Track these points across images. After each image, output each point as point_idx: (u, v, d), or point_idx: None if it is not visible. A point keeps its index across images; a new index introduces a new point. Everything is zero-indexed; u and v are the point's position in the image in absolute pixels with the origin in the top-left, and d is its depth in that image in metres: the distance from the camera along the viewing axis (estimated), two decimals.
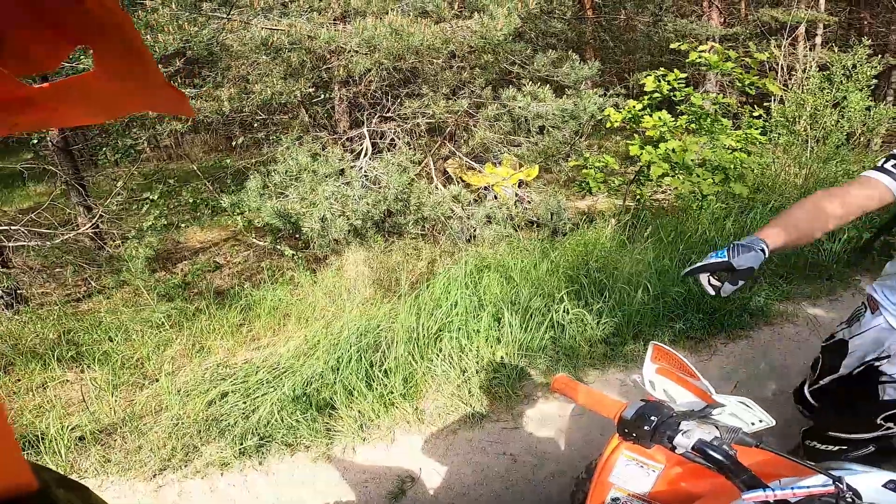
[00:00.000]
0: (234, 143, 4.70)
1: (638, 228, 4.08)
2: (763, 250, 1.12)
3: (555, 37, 7.01)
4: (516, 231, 4.49)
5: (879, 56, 6.02)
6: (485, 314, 3.15)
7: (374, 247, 4.19)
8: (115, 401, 2.41)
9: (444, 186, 4.81)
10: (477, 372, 2.82)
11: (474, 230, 4.50)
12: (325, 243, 4.03)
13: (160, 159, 6.09)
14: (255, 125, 4.59)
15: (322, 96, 4.58)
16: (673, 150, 3.93)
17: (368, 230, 4.28)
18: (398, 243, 4.39)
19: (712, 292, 1.13)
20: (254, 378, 2.51)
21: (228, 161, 4.58)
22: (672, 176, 3.99)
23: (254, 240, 4.31)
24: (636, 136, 4.30)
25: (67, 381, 2.58)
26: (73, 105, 0.31)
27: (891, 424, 1.44)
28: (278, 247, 4.02)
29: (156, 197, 3.84)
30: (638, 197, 4.39)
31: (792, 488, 0.75)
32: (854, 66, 5.67)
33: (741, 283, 1.10)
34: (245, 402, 2.37)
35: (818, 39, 10.75)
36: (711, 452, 0.81)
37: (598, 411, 0.98)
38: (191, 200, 4.04)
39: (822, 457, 1.57)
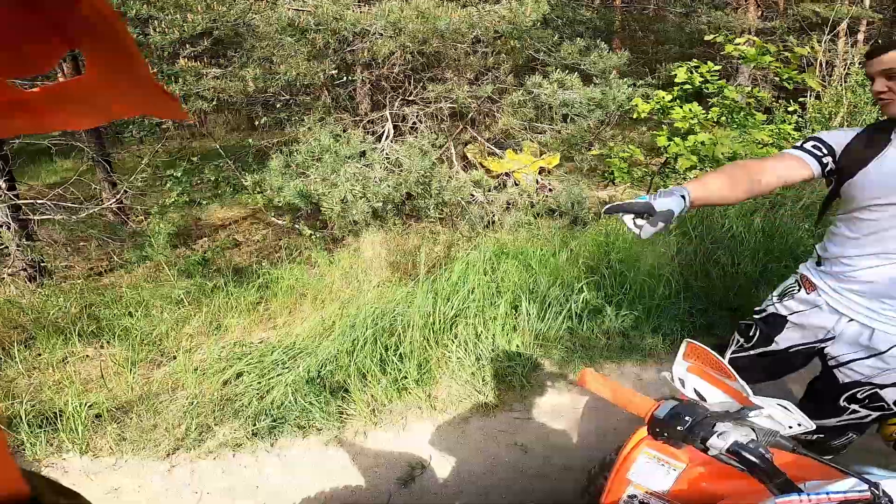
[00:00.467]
0: (256, 123, 4.68)
1: None
2: (684, 197, 1.18)
3: (583, 25, 6.84)
4: (536, 219, 4.40)
5: None
6: (502, 301, 3.10)
7: (392, 229, 4.15)
8: (133, 378, 2.41)
9: (465, 171, 4.73)
10: (491, 360, 2.77)
11: (494, 216, 4.43)
12: (344, 224, 4.00)
13: (184, 137, 6.11)
14: (278, 105, 4.57)
15: (345, 78, 4.52)
16: (702, 143, 3.77)
17: (388, 212, 4.24)
18: (416, 226, 4.34)
19: (636, 231, 1.16)
20: (269, 358, 2.49)
21: (251, 140, 4.55)
22: (700, 169, 3.84)
23: (273, 218, 4.30)
24: (663, 127, 4.14)
25: (87, 356, 2.60)
26: (66, 108, 0.31)
27: (855, 407, 1.45)
28: (297, 226, 4.00)
29: (179, 174, 3.84)
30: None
31: (827, 493, 0.73)
32: None
33: (661, 224, 1.12)
34: (259, 383, 2.36)
35: (860, 36, 10.29)
36: (747, 455, 0.79)
37: (627, 408, 0.96)
38: (213, 178, 4.04)
39: (803, 446, 1.57)
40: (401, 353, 2.69)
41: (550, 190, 4.85)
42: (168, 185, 3.77)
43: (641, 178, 4.51)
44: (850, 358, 1.42)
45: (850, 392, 1.44)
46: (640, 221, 1.15)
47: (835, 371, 1.46)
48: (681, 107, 3.92)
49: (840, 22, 9.14)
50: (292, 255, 3.72)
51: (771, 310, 1.61)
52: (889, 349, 1.35)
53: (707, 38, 4.36)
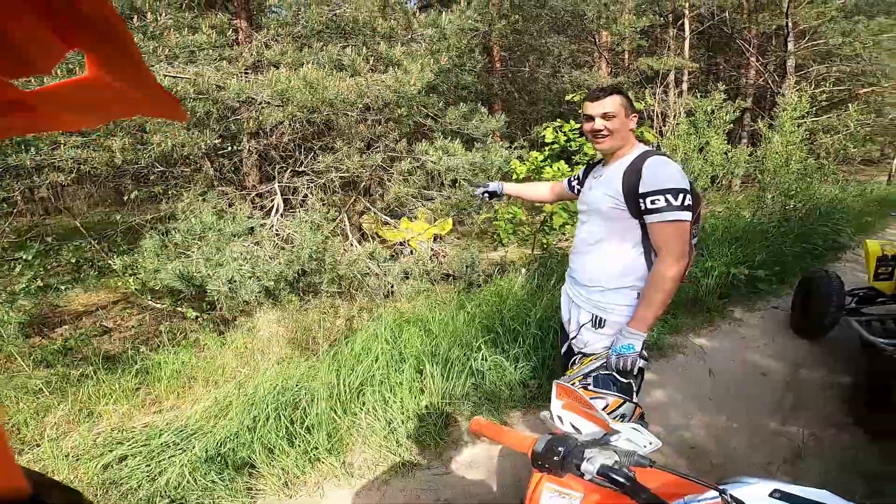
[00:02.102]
0: (125, 197, 4.43)
1: (546, 276, 4.48)
2: (501, 184, 2.42)
3: (465, 89, 7.56)
4: (433, 285, 4.68)
5: (733, 101, 6.96)
6: (406, 367, 3.26)
7: (287, 306, 4.14)
8: None
9: (360, 243, 4.92)
10: (403, 422, 2.89)
11: (391, 286, 4.62)
12: (234, 305, 3.89)
13: (35, 214, 5.56)
14: (152, 178, 4.41)
15: (230, 148, 4.51)
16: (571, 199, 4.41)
17: (281, 290, 4.22)
18: (314, 301, 4.39)
19: (485, 197, 2.41)
20: (157, 441, 2.38)
21: (119, 217, 4.32)
22: (571, 224, 4.45)
23: (150, 302, 4.07)
24: None
25: None
26: (66, 109, 0.32)
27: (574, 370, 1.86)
28: (179, 309, 3.84)
29: (30, 257, 3.56)
30: (544, 245, 4.81)
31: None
32: (712, 112, 6.56)
33: (494, 197, 2.42)
34: (149, 465, 2.23)
35: (685, 85, 12.35)
36: (613, 475, 0.93)
37: (514, 447, 1.08)
38: (73, 260, 3.77)
39: None
40: (308, 426, 2.72)
41: (444, 256, 5.23)
42: (17, 269, 3.47)
43: (526, 236, 5.08)
44: (574, 334, 1.88)
45: (572, 360, 1.87)
46: (484, 194, 2.39)
47: (570, 344, 1.92)
48: (550, 166, 4.57)
49: (668, 73, 11.08)
50: (176, 339, 3.56)
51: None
52: (584, 324, 1.82)
53: (567, 97, 5.10)
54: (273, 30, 4.28)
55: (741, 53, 13.47)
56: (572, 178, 2.24)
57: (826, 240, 6.00)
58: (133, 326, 3.99)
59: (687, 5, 10.93)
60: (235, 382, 2.99)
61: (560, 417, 1.13)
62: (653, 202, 1.61)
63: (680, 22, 12.03)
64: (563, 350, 2.07)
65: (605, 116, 1.74)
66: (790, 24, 11.22)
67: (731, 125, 6.84)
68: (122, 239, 4.16)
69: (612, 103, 1.73)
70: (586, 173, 2.06)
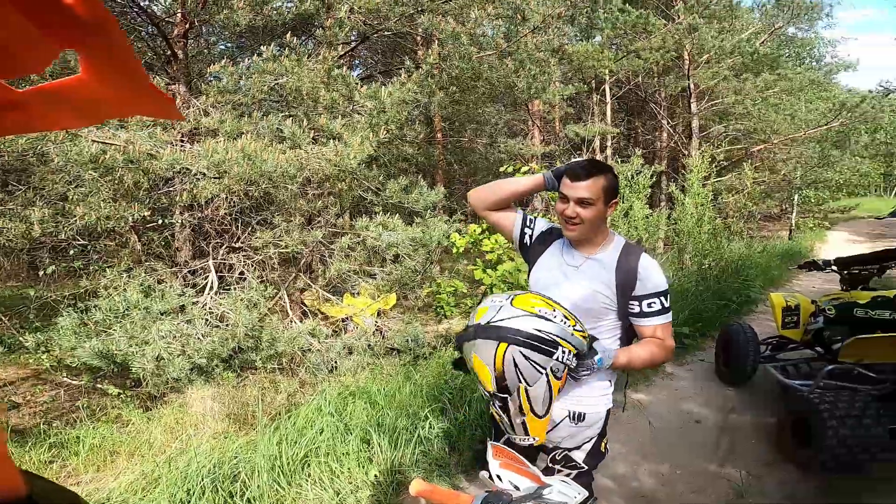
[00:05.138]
0: (41, 272, 4.22)
1: None
2: None
3: (406, 161, 7.88)
4: (378, 359, 4.73)
5: (651, 164, 7.41)
6: (352, 438, 3.30)
7: (223, 383, 4.03)
8: None
9: (302, 319, 4.91)
10: (352, 492, 2.89)
11: (335, 362, 4.62)
12: (161, 382, 3.75)
13: None
14: (72, 252, 4.26)
15: (160, 221, 4.46)
16: (509, 272, 4.77)
17: (215, 367, 4.11)
18: (252, 377, 4.31)
19: None
20: None
21: (32, 292, 4.13)
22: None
23: (65, 378, 3.85)
24: (479, 259, 5.07)
25: None
26: (59, 109, 0.33)
27: (558, 467, 1.76)
28: (99, 386, 3.66)
29: None
30: None
31: None
32: (632, 177, 7.11)
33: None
34: None
35: (609, 151, 13.15)
36: None
37: None
38: None
39: None
40: (248, 498, 2.67)
41: (388, 331, 5.30)
42: None
43: (468, 309, 5.31)
44: (548, 428, 1.69)
45: (552, 454, 1.75)
46: None
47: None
48: (489, 238, 4.90)
49: (594, 139, 11.75)
50: (95, 415, 3.38)
51: None
52: (561, 420, 1.67)
53: (502, 169, 5.30)
54: (213, 97, 4.31)
55: (654, 116, 14.68)
56: (525, 226, 1.88)
57: (739, 295, 6.69)
58: (45, 402, 3.74)
59: (607, 72, 11.65)
60: (165, 456, 2.88)
61: (499, 476, 1.24)
62: (650, 305, 1.66)
63: (602, 88, 13.00)
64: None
65: (580, 202, 1.60)
66: (692, 86, 12.33)
67: (651, 189, 7.40)
68: (35, 315, 3.98)
69: (593, 188, 1.59)
70: (545, 239, 1.84)
